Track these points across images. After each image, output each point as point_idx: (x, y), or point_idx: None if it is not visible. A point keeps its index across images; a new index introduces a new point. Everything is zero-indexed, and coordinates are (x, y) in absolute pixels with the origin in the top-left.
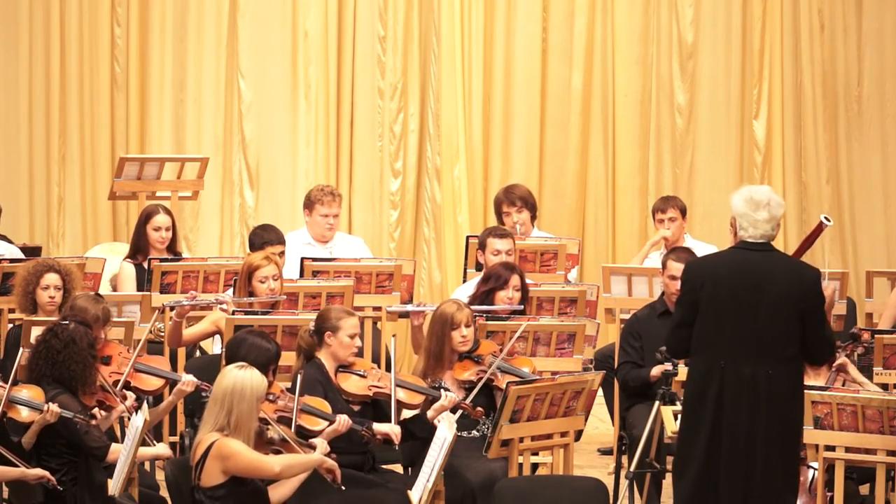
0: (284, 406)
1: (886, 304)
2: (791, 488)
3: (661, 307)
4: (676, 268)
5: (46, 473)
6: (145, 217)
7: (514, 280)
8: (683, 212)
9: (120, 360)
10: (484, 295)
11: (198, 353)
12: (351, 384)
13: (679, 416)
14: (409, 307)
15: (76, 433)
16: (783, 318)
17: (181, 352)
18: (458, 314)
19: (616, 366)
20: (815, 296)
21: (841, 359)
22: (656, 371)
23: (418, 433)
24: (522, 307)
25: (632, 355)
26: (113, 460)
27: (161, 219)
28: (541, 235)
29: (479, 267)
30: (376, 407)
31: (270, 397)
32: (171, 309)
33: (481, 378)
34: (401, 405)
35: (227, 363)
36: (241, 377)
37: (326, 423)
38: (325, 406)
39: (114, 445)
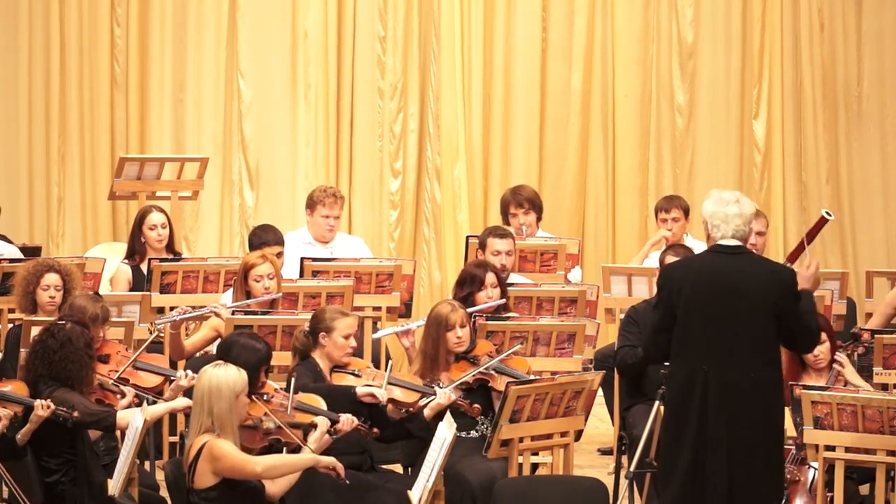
0: (279, 405)
1: (882, 302)
2: (776, 494)
3: (655, 301)
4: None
5: None
6: (140, 218)
7: (490, 278)
8: (686, 212)
9: (119, 359)
10: (462, 300)
11: (198, 353)
12: (345, 384)
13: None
14: (395, 329)
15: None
16: (762, 321)
17: None
18: (453, 315)
19: (615, 350)
20: (792, 296)
21: (841, 359)
22: None
23: (415, 432)
24: (504, 301)
25: (631, 339)
26: (123, 426)
27: (155, 216)
28: (541, 235)
29: None
30: (371, 406)
31: (265, 397)
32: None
33: (477, 378)
34: (397, 404)
35: None
36: (216, 375)
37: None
38: (320, 403)
39: (120, 413)
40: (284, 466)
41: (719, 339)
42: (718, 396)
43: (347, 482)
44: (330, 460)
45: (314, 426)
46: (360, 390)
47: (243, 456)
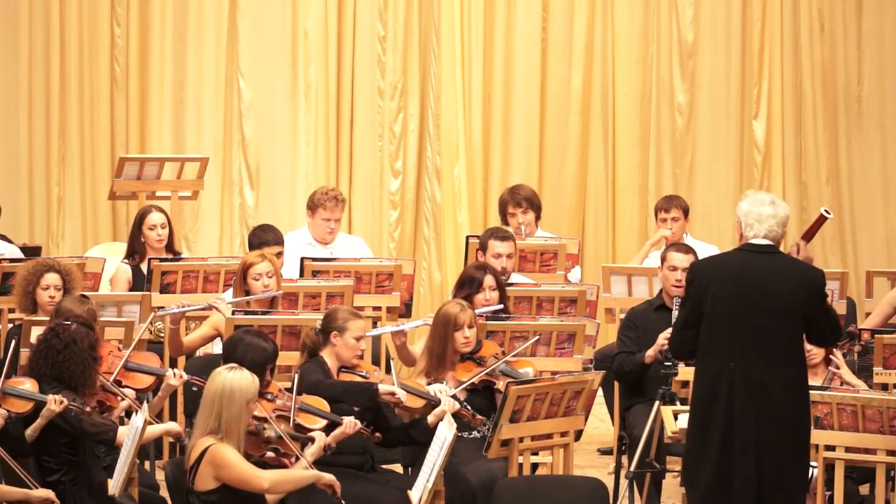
0: (283, 405)
1: (882, 301)
2: (802, 488)
3: (657, 302)
4: (677, 258)
5: (51, 494)
6: (139, 218)
7: (488, 280)
8: (686, 212)
9: (111, 360)
10: None
11: (198, 353)
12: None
13: (679, 416)
14: (388, 328)
15: (79, 426)
16: (790, 320)
17: None
18: (462, 315)
19: (613, 356)
20: (821, 297)
21: (836, 359)
22: (651, 351)
23: (418, 438)
24: (503, 306)
25: (628, 345)
26: (122, 444)
27: (155, 216)
28: (541, 235)
29: None
30: (377, 409)
31: (269, 396)
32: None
33: (482, 379)
34: (402, 409)
35: (225, 363)
36: (229, 379)
37: (325, 421)
38: (324, 405)
39: (121, 428)
40: (290, 482)
41: (746, 336)
42: (745, 394)
43: (343, 502)
44: (330, 478)
45: (311, 441)
46: (381, 387)
47: (250, 469)
